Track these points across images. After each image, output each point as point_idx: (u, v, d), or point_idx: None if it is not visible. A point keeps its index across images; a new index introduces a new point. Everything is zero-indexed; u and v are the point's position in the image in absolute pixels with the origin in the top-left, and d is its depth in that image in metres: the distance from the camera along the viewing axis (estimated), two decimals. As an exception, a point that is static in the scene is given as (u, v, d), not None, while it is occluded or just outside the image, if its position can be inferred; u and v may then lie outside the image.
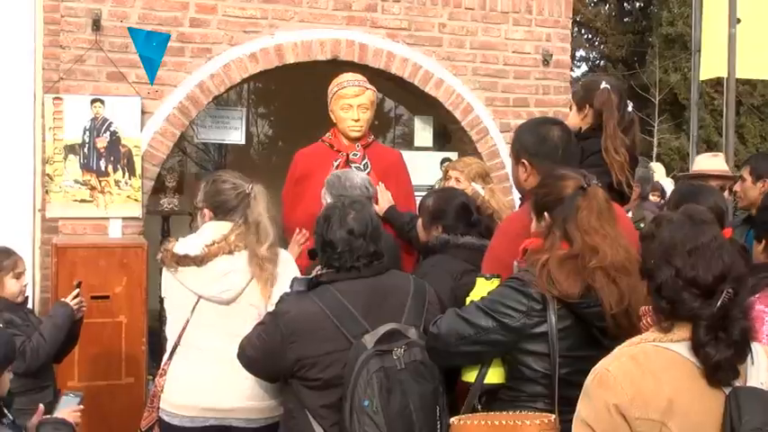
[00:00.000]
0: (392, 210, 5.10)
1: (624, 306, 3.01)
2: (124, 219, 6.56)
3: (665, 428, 2.28)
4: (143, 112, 6.64)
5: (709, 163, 6.77)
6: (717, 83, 16.65)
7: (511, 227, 3.70)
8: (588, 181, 3.19)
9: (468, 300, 3.28)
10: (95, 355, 5.96)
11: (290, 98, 10.60)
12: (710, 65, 9.37)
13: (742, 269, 2.39)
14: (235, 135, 7.76)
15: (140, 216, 6.64)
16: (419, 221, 4.59)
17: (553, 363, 3.03)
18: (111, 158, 6.53)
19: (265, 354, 3.52)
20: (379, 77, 7.11)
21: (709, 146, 21.75)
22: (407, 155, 5.92)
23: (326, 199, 4.44)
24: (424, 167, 7.51)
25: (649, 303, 3.11)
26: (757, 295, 3.12)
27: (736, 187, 5.75)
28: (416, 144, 8.36)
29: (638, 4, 28.54)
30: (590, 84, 4.58)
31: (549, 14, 7.71)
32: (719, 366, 2.30)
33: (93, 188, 6.49)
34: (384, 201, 5.13)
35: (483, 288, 3.26)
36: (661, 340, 2.38)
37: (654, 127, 23.63)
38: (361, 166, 5.18)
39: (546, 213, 3.21)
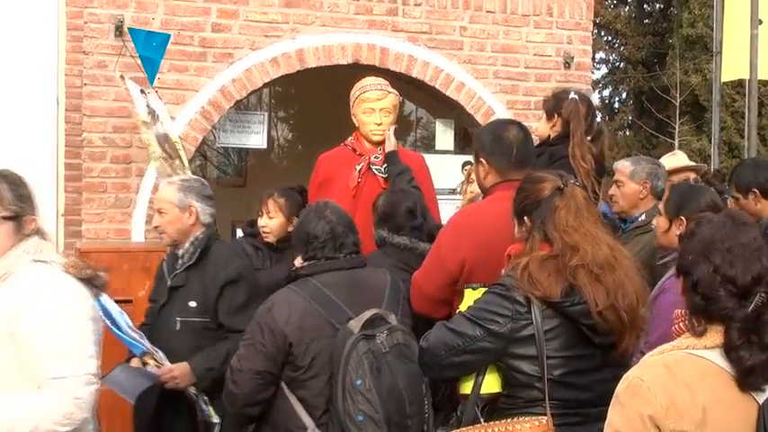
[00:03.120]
0: (393, 155, 5.11)
1: (610, 302, 3.01)
2: (148, 222, 6.59)
3: None
4: (165, 117, 6.68)
5: (674, 161, 6.64)
6: (738, 84, 16.55)
7: (462, 220, 3.86)
8: (565, 181, 3.22)
9: (457, 312, 3.31)
10: (118, 359, 5.98)
11: (311, 102, 10.62)
12: (732, 66, 9.31)
13: None
14: (256, 139, 7.77)
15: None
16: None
17: (541, 363, 3.02)
18: (139, 162, 6.57)
19: (263, 362, 3.56)
20: (400, 81, 7.12)
21: (731, 148, 21.65)
22: (429, 158, 5.90)
23: (196, 203, 4.44)
24: (446, 170, 7.51)
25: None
26: None
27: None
28: (438, 147, 8.36)
29: (658, 6, 28.41)
30: (560, 94, 4.77)
31: (569, 17, 7.70)
32: (752, 371, 2.26)
33: (118, 191, 6.53)
34: (391, 144, 5.13)
35: (470, 298, 3.27)
36: (695, 347, 2.34)
37: (675, 129, 23.52)
38: (382, 170, 5.18)
39: (526, 217, 3.23)
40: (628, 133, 27.84)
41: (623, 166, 5.49)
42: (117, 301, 5.86)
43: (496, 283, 3.19)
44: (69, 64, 6.69)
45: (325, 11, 7.08)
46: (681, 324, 2.45)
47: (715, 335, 2.33)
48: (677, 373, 2.31)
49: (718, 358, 2.31)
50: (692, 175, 6.21)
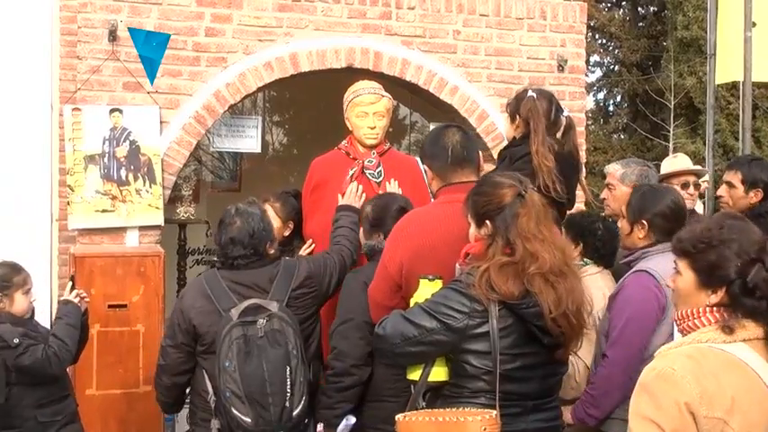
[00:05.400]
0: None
1: (563, 310, 3.18)
2: (144, 227, 6.60)
3: (727, 427, 2.33)
4: (160, 122, 6.67)
5: (675, 163, 6.55)
6: (732, 86, 16.60)
7: (401, 225, 3.89)
8: (525, 187, 3.35)
9: (412, 301, 3.42)
10: (113, 363, 5.99)
11: (305, 106, 10.62)
12: (726, 69, 9.30)
13: None
14: (250, 143, 7.75)
15: (161, 224, 6.67)
16: (361, 229, 4.61)
17: (494, 361, 3.18)
18: (132, 167, 6.56)
19: (179, 338, 4.26)
20: (394, 85, 7.12)
21: (726, 150, 21.66)
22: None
23: None
24: (440, 174, 7.49)
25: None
26: None
27: (722, 192, 5.45)
28: (432, 151, 8.34)
29: (652, 9, 28.46)
30: (520, 95, 4.72)
31: (563, 20, 7.71)
32: None
33: (114, 197, 6.52)
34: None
35: (426, 289, 3.39)
36: (715, 341, 2.42)
37: (669, 131, 23.55)
38: (375, 173, 5.18)
39: (488, 221, 3.32)
40: (622, 136, 27.88)
41: (614, 169, 5.49)
42: (111, 306, 5.95)
43: (456, 279, 3.34)
44: (63, 69, 6.67)
45: (319, 15, 7.08)
46: (694, 321, 2.50)
47: (741, 330, 2.42)
48: (703, 363, 2.38)
49: (740, 352, 2.40)
50: (692, 179, 6.13)
